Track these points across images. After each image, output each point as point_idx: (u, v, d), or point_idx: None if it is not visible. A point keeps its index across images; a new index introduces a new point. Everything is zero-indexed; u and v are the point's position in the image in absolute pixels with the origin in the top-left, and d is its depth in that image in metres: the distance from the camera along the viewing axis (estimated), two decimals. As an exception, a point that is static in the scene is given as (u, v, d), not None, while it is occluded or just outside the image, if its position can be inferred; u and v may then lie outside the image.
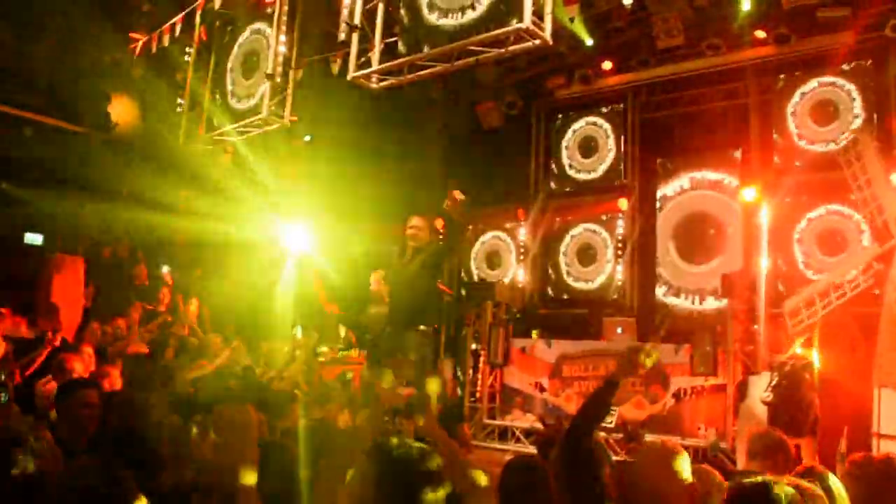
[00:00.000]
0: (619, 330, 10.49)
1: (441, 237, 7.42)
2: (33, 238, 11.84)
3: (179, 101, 11.58)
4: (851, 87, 10.54)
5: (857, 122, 10.41)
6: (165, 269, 12.17)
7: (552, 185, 13.41)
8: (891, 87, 10.27)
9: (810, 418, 7.58)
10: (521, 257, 13.24)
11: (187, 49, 11.49)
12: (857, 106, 10.50)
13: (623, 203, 12.27)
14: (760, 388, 8.27)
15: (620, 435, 9.48)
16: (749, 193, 10.61)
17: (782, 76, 11.22)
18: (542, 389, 10.43)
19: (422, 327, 6.73)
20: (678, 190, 12.12)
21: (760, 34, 10.58)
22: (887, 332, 7.65)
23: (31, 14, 10.35)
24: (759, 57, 11.08)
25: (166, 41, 10.61)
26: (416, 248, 6.69)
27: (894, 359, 7.52)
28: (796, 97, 10.98)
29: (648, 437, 9.32)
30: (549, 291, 13.19)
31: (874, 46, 10.32)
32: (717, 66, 11.27)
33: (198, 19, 10.53)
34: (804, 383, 7.75)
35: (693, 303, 11.56)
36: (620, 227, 12.47)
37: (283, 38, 9.79)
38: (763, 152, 11.21)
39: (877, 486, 3.18)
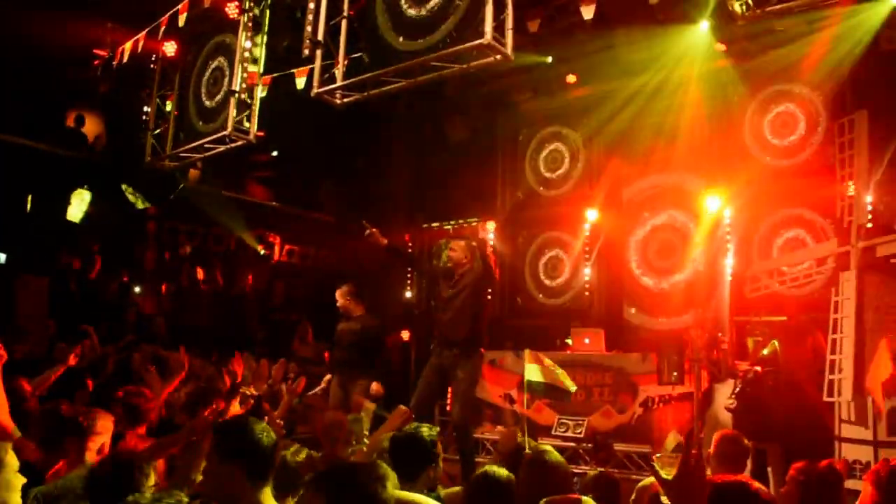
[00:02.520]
0: (586, 340, 10.57)
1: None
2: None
3: (145, 118, 11.55)
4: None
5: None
6: None
7: (519, 196, 13.55)
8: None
9: (774, 424, 7.70)
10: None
11: (152, 66, 11.47)
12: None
13: (590, 213, 12.39)
14: (725, 395, 8.39)
15: (590, 445, 9.56)
16: (713, 202, 10.80)
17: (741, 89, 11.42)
18: (511, 401, 10.46)
19: None
20: (643, 196, 12.32)
21: (720, 47, 10.76)
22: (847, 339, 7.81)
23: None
24: (721, 69, 11.29)
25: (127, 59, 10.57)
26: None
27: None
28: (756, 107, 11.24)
29: (617, 447, 9.43)
30: (518, 303, 13.29)
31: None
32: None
33: (160, 36, 10.49)
34: (767, 390, 7.88)
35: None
36: (586, 236, 12.59)
37: (247, 54, 9.79)
38: (726, 160, 11.39)
39: (816, 491, 3.29)
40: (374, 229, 7.56)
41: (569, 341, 11.12)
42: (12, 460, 3.75)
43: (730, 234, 10.72)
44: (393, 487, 2.36)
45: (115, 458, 3.47)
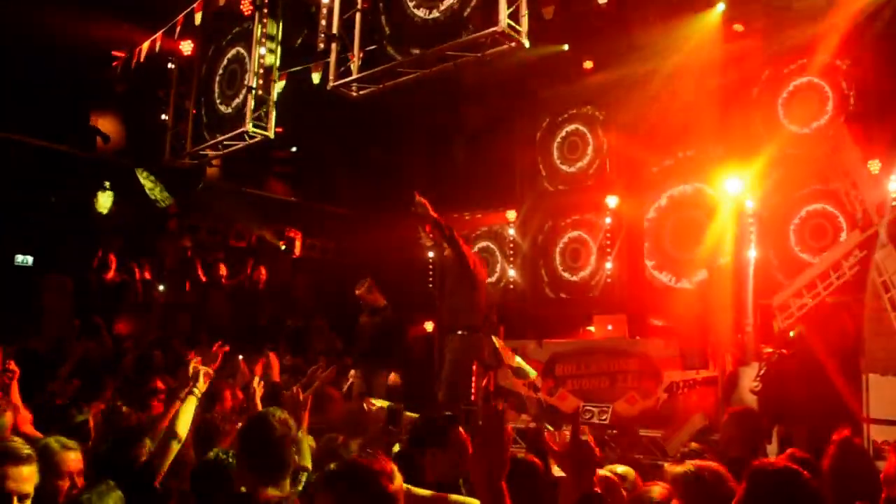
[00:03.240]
0: (609, 327, 10.52)
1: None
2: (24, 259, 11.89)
3: (164, 117, 11.64)
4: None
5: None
6: None
7: (542, 184, 13.50)
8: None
9: (799, 407, 7.62)
10: (511, 258, 13.28)
11: (170, 65, 11.56)
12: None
13: (611, 200, 12.32)
14: (750, 378, 8.31)
15: (615, 431, 9.51)
16: (734, 185, 10.68)
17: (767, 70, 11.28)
18: (535, 389, 10.44)
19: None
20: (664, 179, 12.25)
21: (738, 27, 10.64)
22: (872, 318, 7.69)
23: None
24: (739, 50, 11.16)
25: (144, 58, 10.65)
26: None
27: (880, 344, 7.55)
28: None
29: (643, 433, 9.38)
30: (541, 291, 13.25)
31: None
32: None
33: (177, 34, 10.56)
34: (792, 373, 7.80)
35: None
36: (608, 223, 12.52)
37: (263, 50, 9.84)
38: (747, 142, 11.28)
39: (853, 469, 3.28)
40: (423, 199, 7.22)
41: (591, 329, 11.07)
42: None
43: (753, 217, 10.60)
44: (400, 482, 2.35)
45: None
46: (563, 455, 2.38)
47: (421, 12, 8.07)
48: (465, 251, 7.48)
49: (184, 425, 3.78)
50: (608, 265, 12.43)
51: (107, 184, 11.85)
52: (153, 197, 12.02)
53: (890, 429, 7.27)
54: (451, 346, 7.37)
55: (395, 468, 2.41)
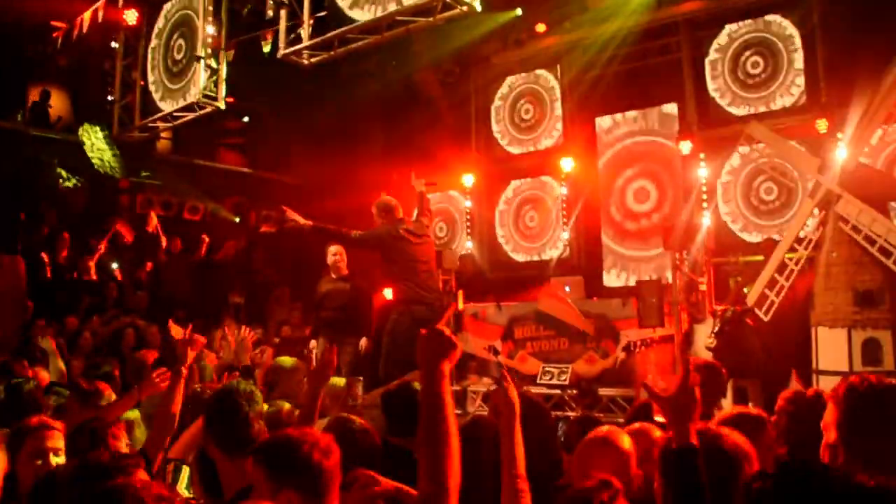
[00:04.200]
0: (567, 288, 10.63)
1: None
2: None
3: (110, 90, 11.35)
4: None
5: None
6: None
7: (495, 150, 13.52)
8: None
9: (753, 361, 7.84)
10: (469, 224, 13.32)
11: (114, 36, 11.25)
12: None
13: (566, 163, 12.38)
14: (705, 335, 8.51)
15: (575, 392, 9.67)
16: (686, 146, 10.85)
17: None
18: (495, 352, 10.55)
19: None
20: (619, 144, 12.35)
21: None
22: (822, 273, 7.91)
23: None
24: (691, 11, 11.24)
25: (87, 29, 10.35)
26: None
27: (829, 298, 7.78)
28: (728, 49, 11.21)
29: (602, 392, 9.56)
30: (497, 256, 13.35)
31: None
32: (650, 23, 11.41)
33: (120, 4, 10.29)
34: (746, 328, 8.01)
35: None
36: (564, 188, 12.60)
37: (210, 18, 9.63)
38: (698, 107, 11.43)
39: (805, 419, 3.38)
40: (292, 213, 7.36)
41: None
42: None
43: (706, 179, 10.78)
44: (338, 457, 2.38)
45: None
46: (667, 401, 2.34)
47: (371, -24, 7.97)
48: (365, 239, 7.53)
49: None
50: (564, 234, 12.54)
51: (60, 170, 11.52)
52: (102, 167, 11.70)
53: (837, 379, 7.50)
54: (389, 320, 7.44)
55: (332, 441, 2.41)
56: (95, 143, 11.70)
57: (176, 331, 5.99)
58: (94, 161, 11.70)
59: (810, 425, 3.13)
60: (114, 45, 11.18)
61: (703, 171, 10.68)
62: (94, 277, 11.51)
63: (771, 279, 8.17)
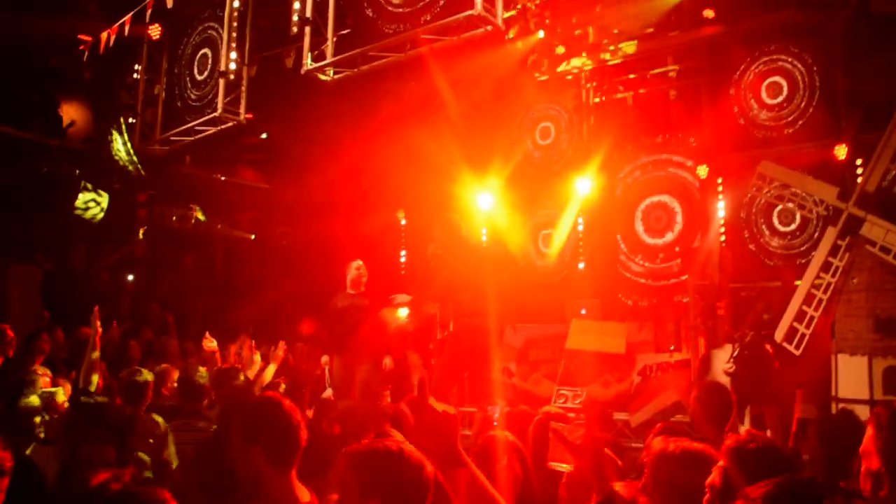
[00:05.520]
0: (582, 311, 10.59)
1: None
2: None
3: (132, 103, 11.44)
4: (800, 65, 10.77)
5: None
6: None
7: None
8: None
9: (772, 387, 7.75)
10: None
11: (138, 50, 11.36)
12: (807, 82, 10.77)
13: (583, 186, 12.34)
14: (723, 360, 8.43)
15: (582, 415, 9.57)
16: (703, 171, 10.83)
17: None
18: (510, 374, 10.50)
19: None
20: (636, 171, 12.28)
21: (709, 13, 10.74)
22: (843, 300, 7.84)
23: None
24: (710, 36, 11.25)
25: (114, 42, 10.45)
26: None
27: (849, 325, 7.71)
28: (749, 75, 11.19)
29: (617, 416, 9.47)
30: (515, 277, 13.29)
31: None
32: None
33: (147, 19, 10.39)
34: (764, 353, 7.92)
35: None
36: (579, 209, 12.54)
37: (234, 34, 9.72)
38: (716, 131, 11.40)
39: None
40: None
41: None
42: None
43: (722, 200, 10.74)
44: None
45: None
46: (580, 450, 2.30)
47: (395, -6, 8.02)
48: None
49: None
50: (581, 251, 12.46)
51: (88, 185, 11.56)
52: (128, 166, 11.65)
53: (859, 407, 7.42)
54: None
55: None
56: (122, 148, 11.75)
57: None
58: (120, 160, 11.67)
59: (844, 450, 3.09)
60: (138, 59, 11.29)
61: (721, 199, 10.68)
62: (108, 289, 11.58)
63: (799, 311, 8.07)
